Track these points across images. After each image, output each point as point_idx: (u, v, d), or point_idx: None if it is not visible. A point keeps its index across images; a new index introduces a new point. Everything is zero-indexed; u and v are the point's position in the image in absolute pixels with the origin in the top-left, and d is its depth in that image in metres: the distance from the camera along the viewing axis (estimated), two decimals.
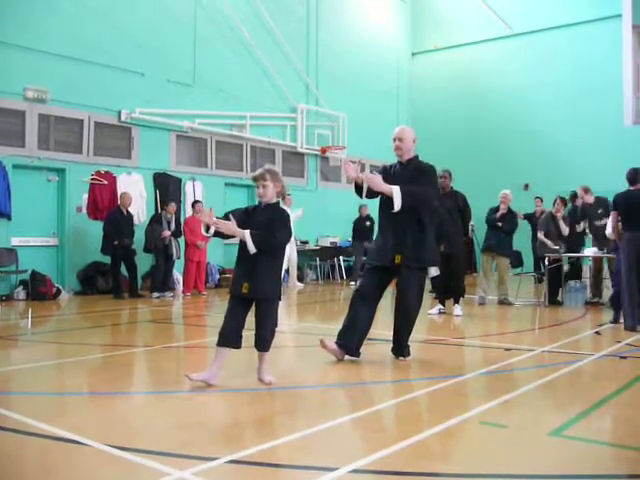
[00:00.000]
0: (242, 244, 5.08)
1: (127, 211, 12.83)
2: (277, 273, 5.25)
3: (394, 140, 6.29)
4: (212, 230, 5.06)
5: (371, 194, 6.17)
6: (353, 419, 4.28)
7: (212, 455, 3.49)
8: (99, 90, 13.35)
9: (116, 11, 13.76)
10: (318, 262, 17.53)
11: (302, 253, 16.38)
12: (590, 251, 11.23)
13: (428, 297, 10.93)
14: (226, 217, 5.14)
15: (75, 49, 12.95)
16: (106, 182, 13.50)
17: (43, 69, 12.52)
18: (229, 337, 5.06)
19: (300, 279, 16.00)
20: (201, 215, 5.20)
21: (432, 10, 22.24)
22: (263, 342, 5.15)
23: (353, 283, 15.28)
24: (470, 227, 10.93)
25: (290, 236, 5.28)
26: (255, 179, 5.16)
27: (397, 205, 5.93)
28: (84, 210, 13.29)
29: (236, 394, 4.99)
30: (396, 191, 5.94)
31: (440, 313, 9.89)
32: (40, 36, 12.47)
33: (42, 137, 12.70)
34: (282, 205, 5.39)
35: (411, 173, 6.18)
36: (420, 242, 6.11)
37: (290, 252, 14.90)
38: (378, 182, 6.01)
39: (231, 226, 5.01)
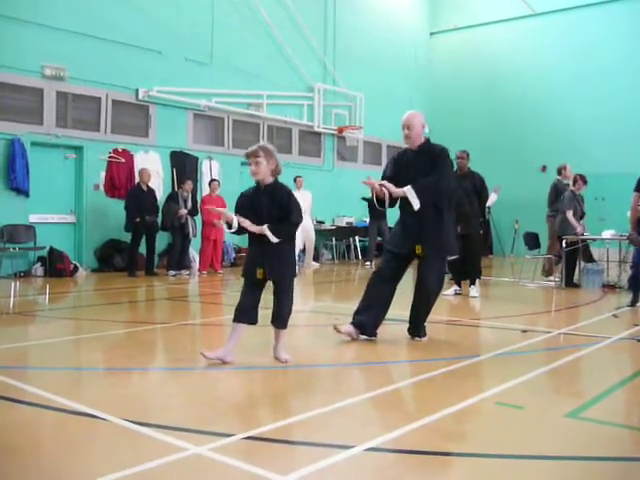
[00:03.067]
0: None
1: (148, 187, 12.84)
2: (291, 252, 5.25)
3: (403, 128, 6.18)
4: (235, 224, 5.01)
5: (391, 202, 6.17)
6: (369, 398, 4.28)
7: (228, 431, 3.51)
8: (117, 68, 13.35)
9: None
10: (334, 242, 17.53)
11: (318, 233, 16.34)
12: (608, 233, 11.14)
13: (445, 279, 10.92)
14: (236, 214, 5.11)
15: (93, 27, 12.93)
16: (123, 160, 13.53)
17: (61, 47, 12.52)
18: (245, 313, 5.08)
19: (316, 259, 16.00)
20: (221, 217, 5.14)
21: None
22: (280, 320, 5.17)
23: (368, 263, 15.27)
24: (487, 208, 10.84)
25: (301, 213, 5.21)
26: (247, 156, 5.04)
27: (416, 205, 5.90)
28: (101, 188, 13.33)
29: (252, 371, 5.01)
30: (409, 192, 5.90)
31: (456, 294, 9.86)
32: (58, 14, 12.46)
33: (60, 115, 12.72)
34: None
35: (424, 159, 6.09)
36: (439, 232, 6.09)
37: (308, 231, 14.88)
38: (392, 189, 5.99)
39: (249, 225, 4.99)
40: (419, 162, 6.09)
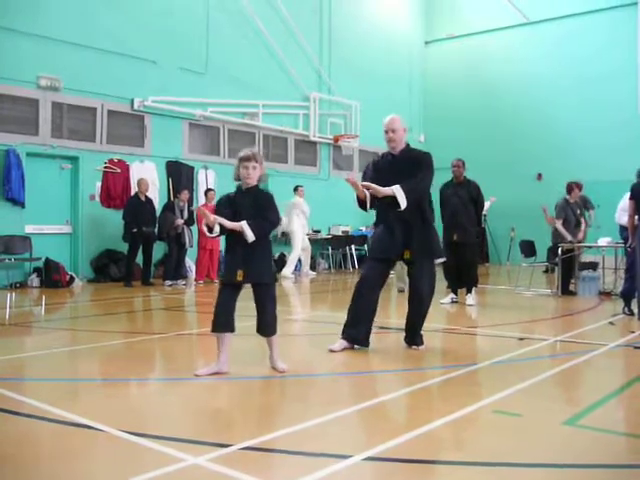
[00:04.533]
0: (231, 232, 5.05)
1: (146, 197, 12.84)
2: (270, 255, 5.25)
3: (386, 132, 6.15)
4: (217, 228, 5.01)
5: (373, 203, 6.11)
6: (366, 407, 4.28)
7: (226, 442, 3.50)
8: (112, 78, 13.37)
9: None
10: (330, 251, 17.52)
11: (314, 242, 16.37)
12: (604, 241, 11.16)
13: (442, 287, 10.94)
14: (217, 212, 5.13)
15: (88, 37, 12.96)
16: (119, 170, 13.54)
17: (56, 57, 12.54)
18: (224, 322, 5.05)
19: (312, 268, 16.00)
20: (203, 217, 5.11)
21: None
22: (268, 327, 5.17)
23: None
24: (483, 216, 10.88)
25: (280, 217, 5.26)
26: (247, 159, 5.06)
27: (403, 204, 5.85)
28: (97, 198, 13.34)
29: (249, 381, 5.00)
30: (398, 191, 5.83)
31: (453, 302, 9.87)
32: (53, 24, 12.48)
33: (55, 125, 12.73)
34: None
35: (405, 163, 6.06)
36: (426, 236, 6.11)
37: (303, 241, 14.93)
38: (379, 189, 5.90)
39: (227, 223, 4.97)
40: (400, 166, 6.03)
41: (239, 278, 5.03)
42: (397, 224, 6.09)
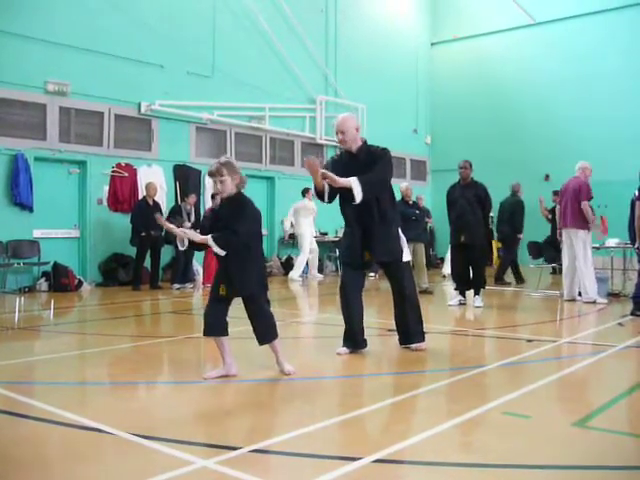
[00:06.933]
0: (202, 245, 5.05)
1: (154, 201, 12.86)
2: (253, 266, 5.09)
3: (337, 133, 6.05)
4: (186, 242, 5.03)
5: (332, 195, 6.00)
6: (375, 409, 4.27)
7: (235, 444, 3.50)
8: (119, 83, 13.40)
9: (135, 3, 13.80)
10: (337, 253, 17.50)
11: (321, 244, 16.37)
12: (612, 242, 11.12)
13: (449, 289, 10.91)
14: (201, 226, 5.23)
15: (95, 42, 12.99)
16: (126, 174, 13.57)
17: (63, 62, 12.57)
18: (212, 325, 5.05)
19: (320, 270, 16.00)
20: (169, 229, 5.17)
21: (451, 0, 22.10)
22: (264, 335, 5.14)
23: (372, 275, 15.22)
24: (490, 218, 10.84)
25: (257, 223, 5.16)
26: (212, 175, 4.98)
27: (358, 198, 5.74)
28: (105, 202, 13.37)
29: (257, 384, 5.01)
30: (354, 182, 5.73)
31: (460, 304, 9.84)
32: (60, 29, 12.52)
33: (63, 130, 12.76)
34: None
35: (364, 161, 5.96)
36: (386, 235, 6.04)
37: (310, 243, 14.95)
38: (336, 178, 5.74)
39: (195, 236, 4.96)
40: (358, 164, 5.91)
41: (222, 292, 5.03)
42: (356, 225, 6.03)
